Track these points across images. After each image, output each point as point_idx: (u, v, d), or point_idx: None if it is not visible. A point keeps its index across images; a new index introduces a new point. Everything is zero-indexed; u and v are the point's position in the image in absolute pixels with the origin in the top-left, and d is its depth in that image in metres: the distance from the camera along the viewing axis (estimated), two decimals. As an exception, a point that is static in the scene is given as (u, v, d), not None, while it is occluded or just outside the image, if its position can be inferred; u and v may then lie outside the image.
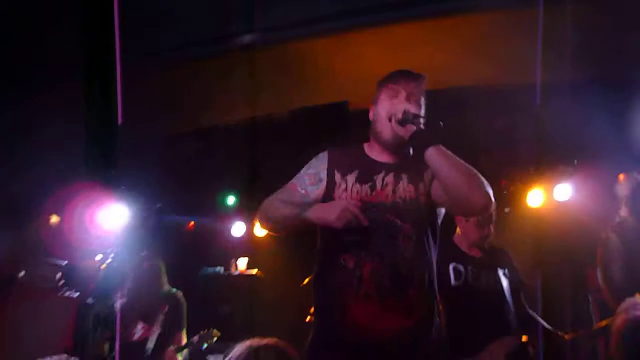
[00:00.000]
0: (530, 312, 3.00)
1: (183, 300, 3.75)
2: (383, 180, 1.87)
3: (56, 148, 3.98)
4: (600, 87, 3.61)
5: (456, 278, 2.83)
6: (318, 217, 1.76)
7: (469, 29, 3.66)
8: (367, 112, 2.00)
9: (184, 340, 3.69)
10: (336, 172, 1.91)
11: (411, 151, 1.92)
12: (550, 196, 4.56)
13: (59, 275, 4.30)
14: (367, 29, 3.76)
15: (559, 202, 4.51)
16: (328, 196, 1.88)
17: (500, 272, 2.92)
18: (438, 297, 1.90)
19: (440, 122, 1.80)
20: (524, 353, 2.79)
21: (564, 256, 3.22)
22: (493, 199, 1.74)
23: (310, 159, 1.99)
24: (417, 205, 1.84)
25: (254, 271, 4.85)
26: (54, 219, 4.63)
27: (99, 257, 4.48)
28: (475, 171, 1.75)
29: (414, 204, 1.83)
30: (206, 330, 3.66)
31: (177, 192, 4.64)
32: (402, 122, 1.79)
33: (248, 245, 4.93)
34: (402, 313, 1.76)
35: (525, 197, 4.65)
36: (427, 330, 1.82)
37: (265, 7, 3.52)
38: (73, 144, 4.04)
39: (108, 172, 4.48)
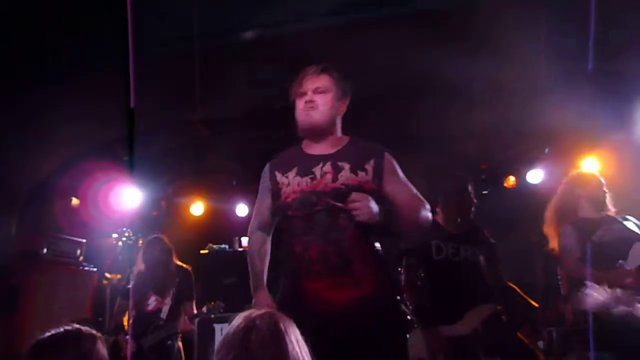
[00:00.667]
0: (504, 282, 3.13)
1: (191, 273, 3.91)
2: (321, 169, 1.96)
3: (74, 131, 4.10)
4: (575, 79, 3.70)
5: (437, 253, 2.95)
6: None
7: (454, 20, 3.81)
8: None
9: (194, 310, 3.86)
10: (277, 173, 2.04)
11: (346, 142, 2.05)
12: (523, 179, 4.93)
13: (79, 251, 4.56)
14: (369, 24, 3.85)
15: (531, 184, 4.86)
16: (275, 195, 2.02)
17: (477, 248, 3.06)
18: (390, 269, 2.02)
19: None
20: (498, 320, 2.91)
21: (536, 233, 3.45)
22: (429, 224, 1.95)
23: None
24: (360, 190, 1.91)
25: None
26: (74, 200, 4.88)
27: (115, 236, 4.80)
28: (417, 211, 1.95)
29: (356, 189, 1.91)
30: (214, 302, 3.85)
31: (187, 175, 4.81)
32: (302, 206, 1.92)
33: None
34: (351, 285, 1.84)
35: (501, 180, 5.00)
36: (378, 300, 1.87)
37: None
38: (90, 128, 4.18)
39: (123, 155, 4.71)
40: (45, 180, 4.50)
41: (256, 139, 4.43)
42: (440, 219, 3.13)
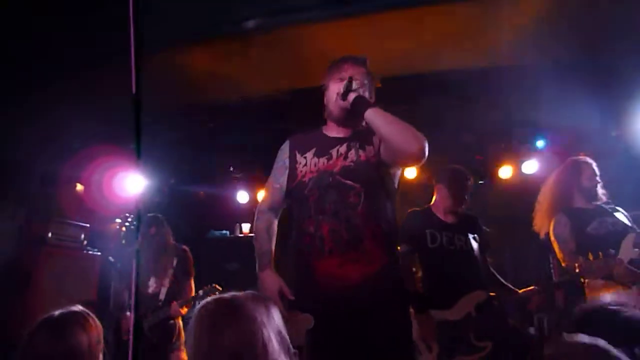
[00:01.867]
0: (492, 270, 3.19)
1: (189, 253, 3.91)
2: (338, 151, 2.04)
3: (79, 118, 4.14)
4: (571, 71, 3.73)
5: (432, 241, 3.04)
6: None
7: (450, 17, 3.86)
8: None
9: (193, 288, 3.86)
10: (296, 152, 2.10)
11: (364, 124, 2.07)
12: (518, 170, 4.98)
13: (83, 235, 4.70)
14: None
15: (526, 175, 4.91)
16: (292, 174, 2.07)
17: (471, 237, 3.10)
18: (398, 248, 2.11)
19: (379, 84, 2.03)
20: (490, 305, 2.98)
21: (529, 222, 3.50)
22: (426, 149, 1.87)
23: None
24: (367, 166, 1.99)
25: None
26: (79, 186, 4.95)
27: (118, 221, 4.86)
28: (409, 125, 1.89)
29: (364, 165, 1.99)
30: (210, 285, 3.81)
31: (190, 163, 4.86)
32: (344, 94, 1.96)
33: (251, 211, 5.13)
34: (363, 262, 1.89)
35: (497, 170, 5.06)
36: (386, 276, 1.93)
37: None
38: (95, 115, 4.22)
39: (128, 143, 4.74)
40: (51, 166, 4.57)
41: (256, 130, 4.46)
42: (436, 208, 3.20)
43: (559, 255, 3.04)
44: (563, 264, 3.03)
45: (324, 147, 2.07)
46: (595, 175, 3.07)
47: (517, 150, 4.86)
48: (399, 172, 2.17)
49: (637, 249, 2.70)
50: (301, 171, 2.05)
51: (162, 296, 3.74)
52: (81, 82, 3.99)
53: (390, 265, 1.96)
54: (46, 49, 3.60)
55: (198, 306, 1.29)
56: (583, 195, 3.04)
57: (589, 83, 3.70)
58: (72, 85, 4.00)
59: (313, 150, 2.07)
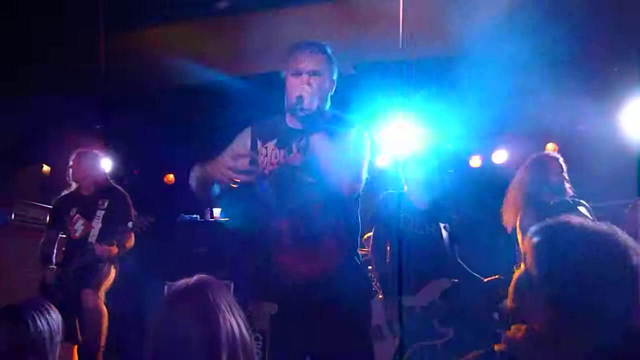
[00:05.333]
0: (459, 260, 3.29)
1: (124, 193, 3.58)
2: (298, 144, 1.95)
3: (47, 99, 4.04)
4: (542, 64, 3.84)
5: (405, 224, 3.14)
6: None
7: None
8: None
9: (132, 238, 3.48)
10: (258, 141, 2.02)
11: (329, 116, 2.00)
12: (489, 159, 5.05)
13: (48, 217, 4.50)
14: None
15: (495, 164, 4.99)
16: (253, 163, 1.98)
17: (442, 225, 3.23)
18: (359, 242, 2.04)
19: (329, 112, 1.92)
20: (454, 293, 3.11)
21: (498, 212, 3.56)
22: (358, 192, 1.87)
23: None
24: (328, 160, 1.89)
25: (227, 219, 5.09)
26: (44, 167, 4.81)
27: None
28: (349, 166, 1.85)
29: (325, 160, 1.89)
30: (140, 217, 3.44)
31: (159, 145, 4.78)
32: (291, 111, 1.89)
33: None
34: (323, 258, 1.88)
35: (467, 159, 5.11)
36: (347, 272, 1.91)
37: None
38: (62, 94, 4.10)
39: (95, 123, 4.64)
40: (15, 146, 4.47)
41: (229, 109, 4.41)
42: (409, 194, 3.28)
43: (522, 246, 3.08)
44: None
45: (286, 138, 1.99)
46: (562, 170, 3.12)
47: (488, 140, 4.90)
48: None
49: None
50: (262, 162, 1.99)
51: (92, 239, 3.41)
52: (47, 61, 3.92)
53: (350, 261, 1.95)
54: (11, 27, 3.50)
55: (166, 292, 1.23)
56: (550, 191, 3.09)
57: (562, 75, 3.76)
58: (38, 65, 3.91)
59: (274, 141, 2.00)
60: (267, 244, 1.94)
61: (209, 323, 1.10)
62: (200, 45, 4.05)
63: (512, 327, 1.10)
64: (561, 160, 3.15)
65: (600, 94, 4.04)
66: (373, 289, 3.61)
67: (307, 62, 1.93)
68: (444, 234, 3.23)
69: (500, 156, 4.97)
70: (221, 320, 1.11)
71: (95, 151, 3.73)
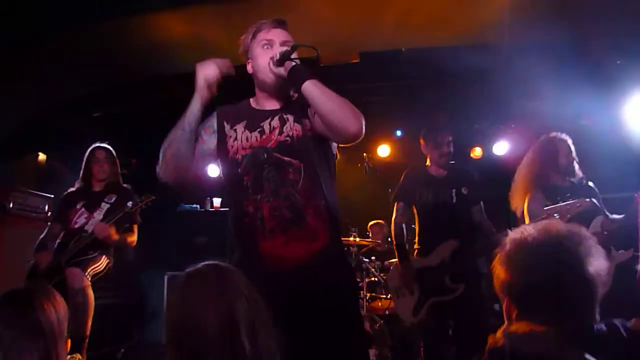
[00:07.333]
0: (476, 222, 3.40)
1: (133, 193, 3.57)
2: (270, 124, 1.92)
3: (41, 90, 4.07)
4: (544, 55, 3.84)
5: (420, 197, 3.41)
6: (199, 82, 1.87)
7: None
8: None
9: (135, 234, 3.52)
10: (225, 123, 1.96)
11: (294, 95, 1.97)
12: (490, 151, 5.05)
13: (47, 206, 4.52)
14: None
15: (497, 156, 5.00)
16: (222, 147, 1.94)
17: (454, 191, 3.37)
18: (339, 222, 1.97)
19: (316, 50, 1.83)
20: (463, 252, 3.27)
21: (497, 203, 3.55)
22: (363, 128, 1.79)
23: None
24: (305, 140, 1.89)
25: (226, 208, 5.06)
26: (41, 156, 4.77)
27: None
28: (348, 102, 1.79)
29: (301, 140, 1.89)
30: (142, 196, 3.42)
31: (159, 134, 4.71)
32: (280, 61, 1.82)
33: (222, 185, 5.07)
34: (307, 239, 1.84)
35: (468, 151, 5.11)
36: (332, 252, 1.89)
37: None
38: (60, 84, 4.13)
39: (94, 112, 4.60)
40: (13, 134, 4.38)
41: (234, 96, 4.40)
42: (429, 166, 3.50)
43: None
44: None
45: (254, 119, 1.94)
46: (571, 152, 3.10)
47: (489, 132, 4.89)
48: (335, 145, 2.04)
49: (605, 232, 2.74)
50: (232, 146, 1.92)
51: (89, 228, 3.41)
52: (43, 49, 3.85)
53: (335, 240, 1.92)
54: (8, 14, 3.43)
55: (182, 275, 1.24)
56: (559, 173, 3.08)
57: (566, 69, 3.75)
58: (34, 53, 3.84)
59: (243, 123, 1.94)
60: (249, 231, 1.88)
61: (226, 298, 1.17)
62: (207, 32, 3.99)
63: (514, 324, 1.18)
64: (570, 142, 3.14)
65: (604, 88, 4.03)
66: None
67: (279, 34, 1.94)
68: (460, 198, 3.38)
69: (502, 148, 4.94)
70: (236, 295, 1.18)
71: (109, 147, 3.72)
